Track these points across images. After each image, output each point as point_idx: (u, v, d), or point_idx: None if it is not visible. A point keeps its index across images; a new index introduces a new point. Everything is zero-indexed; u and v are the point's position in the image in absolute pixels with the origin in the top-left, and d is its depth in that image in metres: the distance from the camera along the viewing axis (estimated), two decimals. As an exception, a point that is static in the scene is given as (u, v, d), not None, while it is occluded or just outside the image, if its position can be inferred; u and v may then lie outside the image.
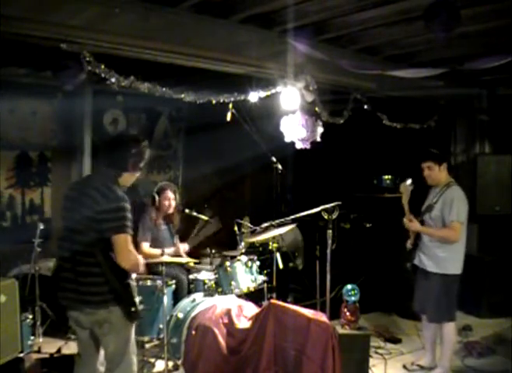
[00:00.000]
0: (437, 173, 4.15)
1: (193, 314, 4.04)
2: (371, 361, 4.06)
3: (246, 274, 4.42)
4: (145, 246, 4.92)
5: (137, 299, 2.95)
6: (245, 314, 3.93)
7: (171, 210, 5.06)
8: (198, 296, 4.35)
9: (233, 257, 4.63)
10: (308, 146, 4.80)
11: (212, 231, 5.15)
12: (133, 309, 2.88)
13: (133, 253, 2.85)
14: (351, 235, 6.32)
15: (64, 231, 2.93)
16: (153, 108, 6.37)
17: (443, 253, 4.03)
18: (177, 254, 5.10)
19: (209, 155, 6.50)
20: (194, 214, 5.13)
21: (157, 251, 4.72)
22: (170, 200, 4.99)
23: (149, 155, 3.10)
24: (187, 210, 5.11)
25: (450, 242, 4.02)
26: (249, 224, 5.54)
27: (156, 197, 4.94)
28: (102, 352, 3.05)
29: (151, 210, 5.01)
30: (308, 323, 3.48)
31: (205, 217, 5.16)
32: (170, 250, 4.86)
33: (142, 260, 2.99)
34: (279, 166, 4.88)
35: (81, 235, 2.82)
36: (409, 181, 4.13)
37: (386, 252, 5.89)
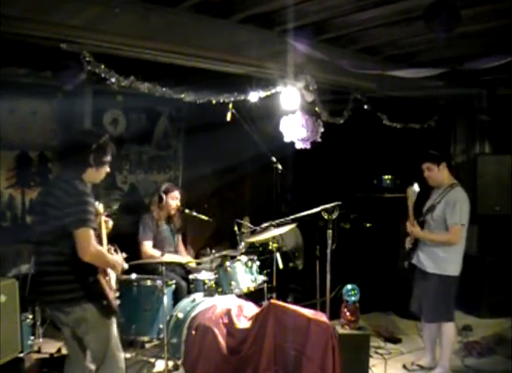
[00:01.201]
0: (437, 174, 4.14)
1: (193, 314, 4.04)
2: (371, 361, 4.06)
3: (246, 274, 4.42)
4: (148, 245, 4.93)
5: (112, 294, 2.96)
6: (245, 314, 3.93)
7: (174, 211, 5.08)
8: (198, 296, 4.34)
9: (233, 257, 4.63)
10: (308, 146, 4.80)
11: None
12: (104, 302, 2.89)
13: (95, 246, 2.84)
14: (351, 235, 6.31)
15: (37, 235, 2.97)
16: (153, 108, 6.36)
17: (443, 254, 4.03)
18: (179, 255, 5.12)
19: (209, 155, 6.49)
20: (194, 214, 5.13)
21: (158, 253, 4.71)
22: (177, 199, 5.06)
23: (112, 149, 3.10)
24: (187, 210, 5.12)
25: (451, 244, 4.02)
26: (249, 224, 5.54)
27: (164, 197, 4.96)
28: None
29: (153, 210, 5.02)
30: (308, 323, 3.48)
31: (205, 217, 5.17)
32: (171, 252, 4.87)
33: (118, 258, 3.02)
34: (279, 166, 4.87)
35: (49, 235, 2.86)
36: (416, 185, 4.13)
37: (386, 252, 5.89)
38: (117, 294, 3.09)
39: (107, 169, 3.12)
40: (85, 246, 2.79)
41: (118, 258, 3.10)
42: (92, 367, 3.08)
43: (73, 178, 2.93)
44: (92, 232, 2.83)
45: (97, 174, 3.09)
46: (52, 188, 2.94)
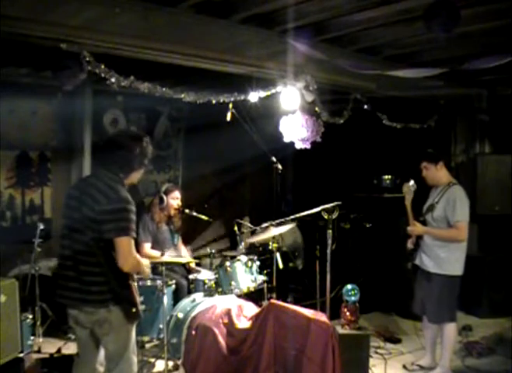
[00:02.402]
0: (434, 173, 4.15)
1: (193, 314, 4.04)
2: (371, 361, 4.06)
3: (246, 274, 4.42)
4: (147, 247, 4.93)
5: (138, 300, 2.95)
6: (245, 314, 3.93)
7: (175, 211, 5.08)
8: (198, 296, 4.35)
9: (233, 257, 4.63)
10: (308, 146, 4.80)
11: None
12: (133, 310, 2.88)
13: (134, 256, 2.83)
14: (351, 235, 6.32)
15: (66, 229, 2.92)
16: (153, 108, 6.37)
17: (444, 254, 4.02)
18: (179, 255, 5.12)
19: (209, 155, 6.50)
20: (194, 214, 5.13)
21: (157, 253, 4.71)
22: (178, 199, 5.07)
23: (151, 150, 3.08)
24: (187, 211, 5.12)
25: (458, 241, 4.01)
26: (249, 224, 5.55)
27: (164, 197, 4.96)
28: (101, 352, 3.05)
29: (154, 211, 5.01)
30: (308, 323, 3.48)
31: (205, 217, 5.17)
32: (171, 253, 4.87)
33: (147, 262, 2.99)
34: (279, 166, 4.87)
35: (82, 234, 2.81)
36: (412, 182, 4.13)
37: (386, 252, 5.89)
38: (142, 299, 3.05)
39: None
40: (126, 256, 2.77)
41: (147, 262, 3.06)
42: (101, 369, 3.06)
43: (115, 182, 2.89)
44: (132, 242, 2.81)
45: (137, 176, 3.08)
46: (91, 188, 2.86)
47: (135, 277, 3.06)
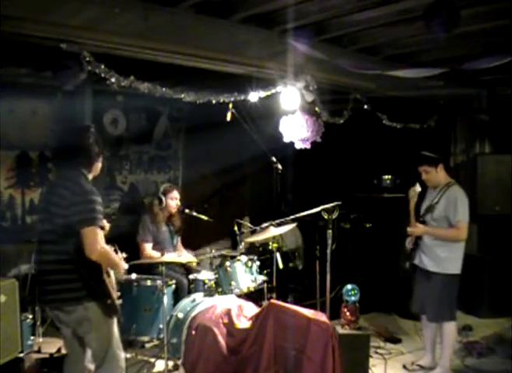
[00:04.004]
0: (435, 175, 4.13)
1: (193, 314, 4.04)
2: (371, 361, 4.06)
3: (246, 274, 4.42)
4: (148, 248, 4.93)
5: (114, 294, 2.98)
6: (245, 314, 3.93)
7: (174, 211, 5.09)
8: (198, 296, 4.35)
9: (233, 257, 4.63)
10: (308, 146, 4.80)
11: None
12: (108, 301, 2.91)
13: (101, 246, 2.86)
14: (351, 235, 6.32)
15: (40, 233, 2.99)
16: (153, 108, 6.36)
17: (444, 253, 4.03)
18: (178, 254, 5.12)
19: (209, 155, 6.50)
20: (194, 214, 5.14)
21: (157, 254, 4.71)
22: (177, 199, 5.07)
23: (98, 138, 3.14)
24: (187, 210, 5.12)
25: (458, 241, 4.02)
26: (249, 224, 5.55)
27: (163, 198, 4.97)
28: (89, 350, 3.07)
29: (153, 211, 5.01)
30: (308, 323, 3.48)
31: (205, 217, 5.17)
32: (171, 254, 4.87)
33: (114, 254, 3.01)
34: (279, 166, 4.87)
35: (54, 234, 2.87)
36: (418, 186, 4.12)
37: (386, 252, 5.89)
38: (119, 294, 3.10)
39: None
40: (92, 244, 2.80)
41: (120, 258, 3.11)
42: (91, 367, 3.08)
43: (77, 176, 2.96)
44: (99, 231, 2.85)
45: (98, 165, 3.14)
46: (56, 187, 2.96)
47: (111, 272, 3.08)
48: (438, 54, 4.71)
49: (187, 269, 5.09)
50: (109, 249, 2.95)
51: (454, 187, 4.10)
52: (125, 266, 3.18)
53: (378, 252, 6.05)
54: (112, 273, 3.10)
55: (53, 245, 2.88)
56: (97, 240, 2.82)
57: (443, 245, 4.04)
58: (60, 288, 2.88)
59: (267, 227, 4.73)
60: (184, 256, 5.23)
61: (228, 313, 3.90)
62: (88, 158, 3.04)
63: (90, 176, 3.07)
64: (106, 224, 3.17)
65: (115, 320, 3.05)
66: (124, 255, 3.22)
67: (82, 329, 2.96)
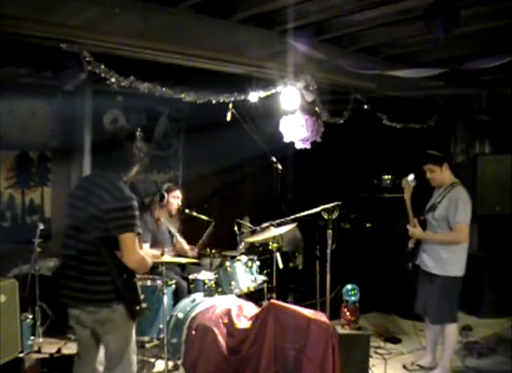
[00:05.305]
0: (440, 174, 4.11)
1: (193, 314, 4.04)
2: (371, 361, 4.06)
3: (246, 274, 4.41)
4: (146, 247, 4.92)
5: (141, 297, 2.96)
6: (245, 314, 3.93)
7: (175, 211, 5.09)
8: (198, 296, 4.34)
9: (233, 257, 4.63)
10: (308, 146, 4.80)
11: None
12: (137, 308, 2.89)
13: (139, 252, 2.85)
14: (351, 235, 6.32)
15: (70, 229, 2.93)
16: (153, 108, 6.37)
17: (446, 254, 4.01)
18: (178, 254, 5.11)
19: (209, 154, 6.50)
20: (194, 214, 5.13)
21: (157, 253, 4.71)
22: (179, 199, 5.08)
23: (145, 144, 3.09)
24: (187, 210, 5.12)
25: (458, 243, 4.00)
26: (249, 224, 5.55)
27: (165, 195, 4.96)
28: (101, 351, 3.05)
29: (154, 208, 5.01)
30: (308, 323, 3.48)
31: (205, 217, 5.17)
32: (169, 252, 4.87)
33: (149, 260, 3.00)
34: (279, 166, 4.87)
35: (87, 233, 2.82)
36: (411, 176, 4.09)
37: (386, 252, 5.89)
38: (143, 297, 3.08)
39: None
40: (131, 251, 2.79)
41: (149, 260, 3.07)
42: (101, 369, 3.06)
43: (117, 179, 2.93)
44: (136, 238, 2.83)
45: (136, 170, 3.11)
46: (95, 186, 2.89)
47: (137, 275, 3.07)
48: (438, 54, 4.71)
49: (187, 269, 5.09)
50: (145, 255, 2.93)
51: (457, 188, 4.07)
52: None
53: (378, 252, 6.05)
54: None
55: (85, 244, 2.82)
56: (135, 247, 2.81)
57: (446, 247, 4.02)
58: (89, 289, 2.83)
59: (267, 227, 4.73)
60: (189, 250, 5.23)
61: (228, 313, 3.90)
62: (129, 161, 3.00)
63: (125, 179, 3.04)
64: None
65: (135, 324, 3.02)
66: None
67: (103, 330, 2.91)
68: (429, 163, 4.11)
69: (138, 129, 3.09)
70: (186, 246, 5.28)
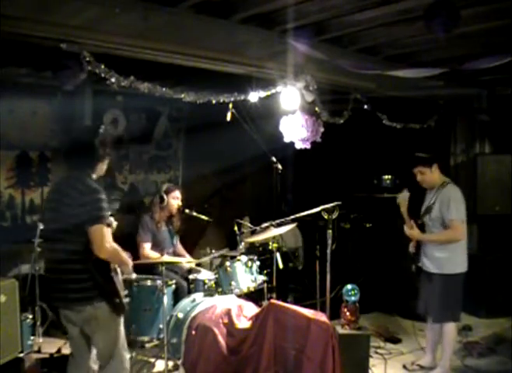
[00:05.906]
0: (430, 176, 4.13)
1: (193, 314, 4.04)
2: (371, 361, 4.06)
3: (246, 274, 4.42)
4: (147, 247, 4.93)
5: (122, 292, 3.00)
6: (245, 314, 3.93)
7: (175, 211, 5.09)
8: (198, 296, 4.34)
9: (233, 257, 4.63)
10: (308, 146, 4.80)
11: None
12: (117, 300, 2.93)
13: (111, 244, 2.89)
14: (351, 235, 6.32)
15: (48, 232, 3.04)
16: (153, 108, 6.36)
17: (440, 254, 4.04)
18: (177, 256, 5.11)
19: (209, 155, 6.49)
20: (194, 214, 5.13)
21: (157, 255, 4.71)
22: (178, 199, 5.08)
23: (110, 137, 3.18)
24: (187, 211, 5.12)
25: (456, 241, 4.01)
26: (249, 224, 5.54)
27: (165, 196, 4.97)
28: (94, 350, 3.08)
29: (154, 210, 5.01)
30: (308, 323, 3.48)
31: (205, 217, 5.17)
32: (169, 253, 4.87)
33: (123, 253, 3.04)
34: (279, 166, 4.87)
35: (64, 233, 2.88)
36: (405, 192, 4.13)
37: (386, 252, 5.89)
38: (126, 292, 3.12)
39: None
40: (100, 243, 2.83)
41: (126, 256, 3.13)
42: (95, 367, 3.09)
43: (84, 176, 3.00)
44: (106, 229, 2.87)
45: (103, 166, 3.17)
46: (65, 187, 2.98)
47: (119, 270, 3.10)
48: (438, 54, 4.71)
49: (187, 269, 5.09)
50: (117, 246, 2.97)
51: (447, 187, 4.09)
52: (131, 265, 3.20)
53: (378, 252, 6.05)
54: (119, 271, 3.11)
55: (63, 244, 2.90)
56: (105, 238, 2.85)
57: (441, 247, 4.04)
58: (70, 287, 2.89)
59: (267, 227, 4.73)
60: (183, 254, 5.23)
61: (228, 313, 3.90)
62: (93, 158, 3.07)
63: (94, 176, 3.10)
64: (114, 222, 3.18)
65: (122, 320, 3.06)
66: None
67: (89, 328, 2.97)
68: (419, 166, 4.13)
69: (102, 126, 3.18)
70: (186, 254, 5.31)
